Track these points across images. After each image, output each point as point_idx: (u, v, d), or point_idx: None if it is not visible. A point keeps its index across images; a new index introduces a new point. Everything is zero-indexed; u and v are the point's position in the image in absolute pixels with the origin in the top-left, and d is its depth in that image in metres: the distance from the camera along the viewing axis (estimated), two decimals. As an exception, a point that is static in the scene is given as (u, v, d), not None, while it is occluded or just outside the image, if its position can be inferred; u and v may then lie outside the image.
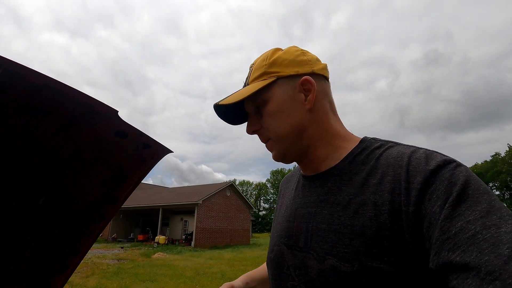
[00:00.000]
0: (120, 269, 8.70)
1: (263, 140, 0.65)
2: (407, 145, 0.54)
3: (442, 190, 0.41)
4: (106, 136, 0.65)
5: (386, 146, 0.56)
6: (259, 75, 0.61)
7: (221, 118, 0.68)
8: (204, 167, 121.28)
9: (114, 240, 21.39)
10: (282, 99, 0.60)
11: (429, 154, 0.48)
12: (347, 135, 0.64)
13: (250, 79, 0.64)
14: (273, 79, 0.60)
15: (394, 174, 0.49)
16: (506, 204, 40.71)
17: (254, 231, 42.69)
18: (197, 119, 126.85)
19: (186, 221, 23.76)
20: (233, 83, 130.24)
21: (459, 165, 0.44)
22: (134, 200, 23.37)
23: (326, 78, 0.64)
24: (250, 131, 0.65)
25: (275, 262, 0.64)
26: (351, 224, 0.50)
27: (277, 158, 0.65)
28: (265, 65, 0.61)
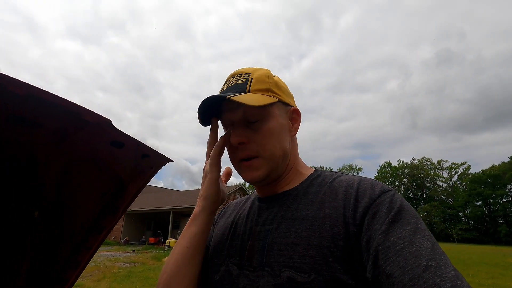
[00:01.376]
0: (131, 272, 8.78)
1: (248, 154, 0.60)
2: (355, 175, 0.62)
3: (384, 212, 0.48)
4: (100, 147, 0.62)
5: (338, 174, 0.63)
6: (265, 89, 0.62)
7: (200, 114, 0.63)
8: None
9: (126, 243, 21.66)
10: (279, 120, 0.62)
11: (374, 182, 0.56)
12: (305, 165, 0.71)
13: (252, 88, 0.61)
14: (276, 99, 0.61)
15: (346, 193, 0.55)
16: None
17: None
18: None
19: (196, 224, 23.82)
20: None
21: (396, 192, 0.53)
22: (145, 203, 23.67)
23: None
24: (238, 141, 0.60)
25: (221, 285, 0.60)
26: (308, 236, 0.52)
27: (259, 178, 0.61)
28: (270, 82, 0.63)
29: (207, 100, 0.59)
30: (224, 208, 0.83)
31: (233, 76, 0.66)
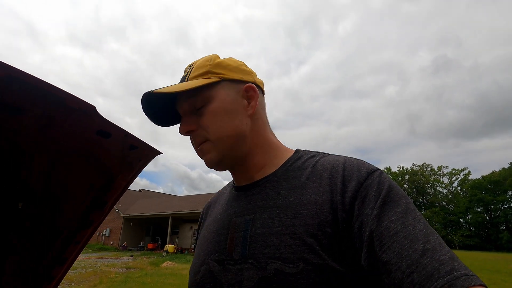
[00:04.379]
0: (128, 278, 8.68)
1: (198, 141, 0.60)
2: (339, 155, 0.59)
3: (373, 195, 0.47)
4: (87, 136, 0.61)
5: (320, 156, 0.60)
6: (202, 73, 0.59)
7: (146, 113, 0.63)
8: (213, 176, 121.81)
9: (125, 249, 21.48)
10: (226, 100, 0.59)
11: (359, 162, 0.54)
12: (282, 146, 0.67)
13: (191, 75, 0.60)
14: (218, 79, 0.59)
15: (332, 177, 0.52)
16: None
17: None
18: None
19: (195, 230, 23.68)
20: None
21: (382, 172, 0.51)
22: (144, 209, 23.55)
23: (263, 93, 0.68)
24: (184, 130, 0.59)
25: (202, 285, 0.55)
26: (293, 224, 0.49)
27: (212, 162, 0.59)
28: (209, 65, 0.60)
29: (144, 101, 0.59)
30: (204, 209, 0.78)
31: (186, 69, 0.65)
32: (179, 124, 0.63)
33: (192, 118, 0.59)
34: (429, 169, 55.71)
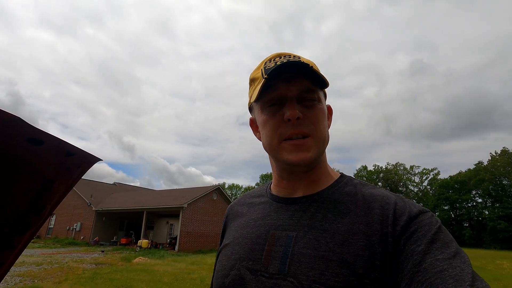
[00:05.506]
0: (96, 274, 8.44)
1: (302, 131, 0.55)
2: (385, 190, 0.58)
3: (422, 233, 0.46)
4: (15, 144, 0.60)
5: (369, 186, 0.60)
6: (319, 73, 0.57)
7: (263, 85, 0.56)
8: (193, 170, 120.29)
9: (96, 244, 20.85)
10: (325, 108, 0.61)
11: (410, 201, 0.54)
12: (330, 166, 0.66)
13: (315, 67, 0.57)
14: (325, 87, 0.61)
15: (382, 209, 0.51)
16: (488, 211, 42.01)
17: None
18: (186, 120, 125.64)
19: (172, 225, 23.44)
20: (224, 86, 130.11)
21: (433, 214, 0.51)
22: (118, 202, 22.92)
23: None
24: (296, 115, 0.54)
25: None
26: (341, 252, 0.48)
27: (310, 159, 0.56)
28: (319, 70, 0.59)
29: (284, 66, 0.54)
30: (228, 211, 0.77)
31: (278, 56, 0.61)
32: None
33: (298, 107, 0.56)
34: (402, 168, 58.17)
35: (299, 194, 0.61)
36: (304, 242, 0.52)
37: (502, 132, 73.69)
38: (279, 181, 0.65)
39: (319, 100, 0.58)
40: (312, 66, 0.55)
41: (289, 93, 0.56)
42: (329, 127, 0.64)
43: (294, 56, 0.60)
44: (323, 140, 0.58)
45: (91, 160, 0.76)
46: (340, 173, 0.65)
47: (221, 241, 0.72)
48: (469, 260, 0.43)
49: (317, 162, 0.60)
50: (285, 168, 0.61)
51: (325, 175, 0.62)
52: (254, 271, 0.54)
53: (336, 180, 0.62)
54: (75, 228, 23.03)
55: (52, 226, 25.11)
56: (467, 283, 0.38)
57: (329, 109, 0.65)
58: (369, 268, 0.46)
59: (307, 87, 0.56)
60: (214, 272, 0.70)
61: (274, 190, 0.66)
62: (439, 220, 0.49)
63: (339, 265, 0.47)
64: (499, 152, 44.43)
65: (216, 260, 0.69)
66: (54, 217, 24.85)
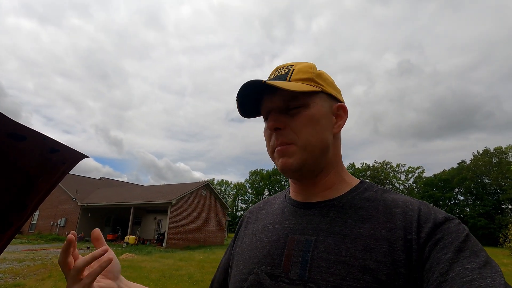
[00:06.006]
0: (82, 270, 8.24)
1: (283, 141, 0.57)
2: (408, 196, 0.57)
3: (449, 241, 0.44)
4: (-4, 139, 0.58)
5: (390, 191, 0.58)
6: (306, 78, 0.59)
7: (240, 103, 0.61)
8: (182, 165, 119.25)
9: (81, 240, 20.45)
10: (320, 110, 0.58)
11: (434, 207, 0.52)
12: (349, 173, 0.65)
13: (294, 77, 0.59)
14: (319, 89, 0.58)
15: (405, 214, 0.50)
16: (469, 208, 43.50)
17: (231, 231, 42.57)
18: (175, 115, 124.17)
19: (160, 221, 23.24)
20: (214, 81, 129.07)
21: (460, 222, 0.48)
22: (104, 198, 22.53)
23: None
24: (274, 125, 0.56)
25: None
26: (363, 258, 0.47)
27: (291, 166, 0.56)
28: (312, 72, 0.60)
29: (246, 86, 0.55)
30: (247, 214, 0.77)
31: (276, 69, 0.64)
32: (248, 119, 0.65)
33: (281, 116, 0.57)
34: (388, 166, 59.38)
35: (317, 199, 0.60)
36: (324, 246, 0.51)
37: (484, 133, 76.49)
38: (293, 187, 0.66)
39: (307, 106, 0.57)
40: (281, 87, 0.53)
41: (272, 104, 0.58)
42: (338, 128, 0.61)
43: (288, 66, 0.62)
44: (311, 146, 0.56)
45: (77, 157, 0.74)
46: (360, 179, 0.64)
47: (234, 241, 0.73)
48: (500, 270, 0.40)
49: (315, 166, 0.58)
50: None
51: (342, 181, 0.61)
52: (274, 276, 0.53)
53: (356, 186, 0.61)
54: (60, 224, 22.52)
55: (35, 222, 24.47)
56: None
57: (337, 108, 0.62)
58: (392, 276, 0.44)
59: (290, 95, 0.57)
60: (218, 269, 0.74)
61: (292, 195, 0.66)
62: (467, 228, 0.47)
63: (361, 271, 0.46)
64: (481, 151, 45.94)
65: (224, 256, 0.74)
66: (37, 213, 24.22)
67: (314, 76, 0.59)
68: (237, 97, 0.59)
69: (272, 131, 0.58)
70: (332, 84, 0.63)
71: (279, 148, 0.57)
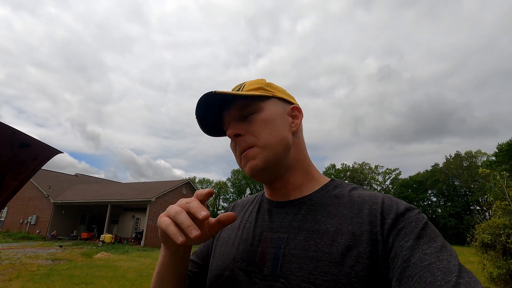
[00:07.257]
0: (53, 270, 7.93)
1: (244, 146, 0.60)
2: (373, 191, 0.60)
3: (410, 229, 0.48)
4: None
5: (356, 187, 0.62)
6: (256, 88, 0.63)
7: (199, 119, 0.64)
8: (162, 163, 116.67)
9: (54, 238, 19.59)
10: (275, 112, 0.62)
11: (397, 199, 0.56)
12: (318, 172, 0.68)
13: (245, 89, 0.63)
14: (270, 94, 0.63)
15: (371, 209, 0.53)
16: (440, 209, 45.56)
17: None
18: (157, 112, 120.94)
19: (138, 219, 22.70)
20: (198, 78, 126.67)
21: (420, 211, 0.52)
22: (79, 195, 21.69)
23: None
24: (233, 133, 0.60)
25: None
26: (330, 252, 0.50)
27: (257, 167, 0.59)
28: (261, 83, 0.64)
29: (201, 103, 0.59)
30: (230, 208, 0.80)
31: (234, 88, 0.68)
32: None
33: (239, 124, 0.61)
34: (367, 167, 61.05)
35: (290, 198, 0.63)
36: (294, 243, 0.54)
37: (457, 137, 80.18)
38: (266, 189, 0.69)
39: (261, 110, 0.61)
40: (232, 93, 0.58)
41: (230, 117, 0.63)
42: (296, 127, 0.65)
43: (241, 83, 0.67)
44: (272, 145, 0.59)
45: (50, 152, 0.70)
46: (330, 178, 0.67)
47: None
48: (455, 253, 0.44)
49: (280, 164, 0.61)
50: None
51: (311, 180, 0.65)
52: (249, 272, 0.56)
53: (326, 184, 0.64)
54: (30, 221, 21.40)
55: (3, 219, 23.12)
56: (454, 274, 0.39)
57: (291, 109, 0.66)
58: (357, 267, 0.47)
59: (242, 104, 0.61)
60: (194, 255, 0.75)
61: (267, 195, 0.69)
62: (426, 217, 0.51)
63: (328, 264, 0.49)
64: (453, 155, 48.23)
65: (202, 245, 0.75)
66: (5, 209, 22.90)
67: (263, 85, 0.64)
68: (196, 115, 0.63)
69: (233, 139, 0.62)
70: (283, 91, 0.68)
71: (243, 154, 0.60)
